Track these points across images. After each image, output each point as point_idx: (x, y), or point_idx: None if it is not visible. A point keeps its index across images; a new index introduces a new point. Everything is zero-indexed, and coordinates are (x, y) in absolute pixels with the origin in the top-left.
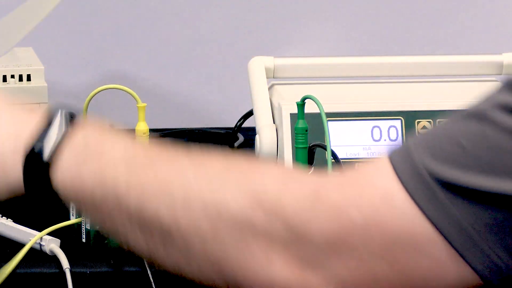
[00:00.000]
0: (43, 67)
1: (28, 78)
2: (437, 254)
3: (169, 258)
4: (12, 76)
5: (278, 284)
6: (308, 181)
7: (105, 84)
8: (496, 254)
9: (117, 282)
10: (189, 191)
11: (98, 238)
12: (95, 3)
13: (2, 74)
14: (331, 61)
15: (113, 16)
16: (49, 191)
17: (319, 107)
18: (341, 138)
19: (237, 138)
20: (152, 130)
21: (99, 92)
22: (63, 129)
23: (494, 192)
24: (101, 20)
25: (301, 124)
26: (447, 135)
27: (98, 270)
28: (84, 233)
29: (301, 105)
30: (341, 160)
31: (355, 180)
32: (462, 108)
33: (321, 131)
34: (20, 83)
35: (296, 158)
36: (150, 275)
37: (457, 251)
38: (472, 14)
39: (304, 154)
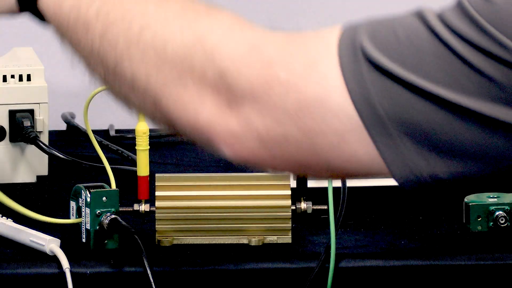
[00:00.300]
0: (43, 67)
1: (28, 78)
2: (344, 123)
3: (119, 89)
4: (12, 76)
5: (205, 123)
6: (254, 31)
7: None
8: (400, 139)
9: (117, 282)
10: (145, 22)
11: (98, 238)
12: None
13: (2, 74)
14: None
15: None
16: (36, 11)
17: None
18: None
19: None
20: (152, 130)
21: (99, 92)
22: None
23: (404, 79)
24: None
25: None
26: (391, 24)
27: (98, 270)
28: (84, 233)
29: None
30: None
31: (297, 41)
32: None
33: None
34: (20, 83)
35: None
36: (150, 276)
37: (366, 128)
38: None
39: None
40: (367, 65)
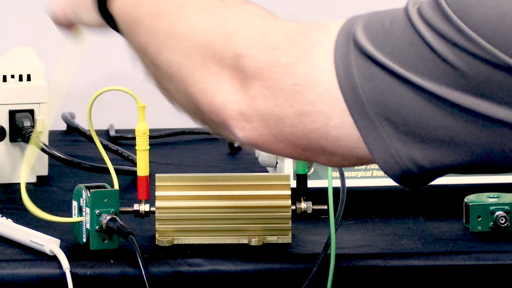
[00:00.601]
0: (43, 67)
1: (28, 78)
2: (330, 104)
3: (163, 83)
4: (12, 76)
5: (220, 104)
6: (270, 20)
7: (104, 84)
8: (379, 122)
9: (117, 282)
10: (182, 13)
11: (98, 238)
12: None
13: (2, 74)
14: None
15: None
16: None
17: None
18: None
19: None
20: (152, 130)
21: (101, 94)
22: None
23: (383, 64)
24: None
25: None
26: (383, 14)
27: (98, 270)
28: (84, 233)
29: None
30: None
31: (303, 30)
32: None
33: None
34: (20, 83)
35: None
36: (144, 275)
37: (349, 110)
38: None
39: None
40: (355, 51)
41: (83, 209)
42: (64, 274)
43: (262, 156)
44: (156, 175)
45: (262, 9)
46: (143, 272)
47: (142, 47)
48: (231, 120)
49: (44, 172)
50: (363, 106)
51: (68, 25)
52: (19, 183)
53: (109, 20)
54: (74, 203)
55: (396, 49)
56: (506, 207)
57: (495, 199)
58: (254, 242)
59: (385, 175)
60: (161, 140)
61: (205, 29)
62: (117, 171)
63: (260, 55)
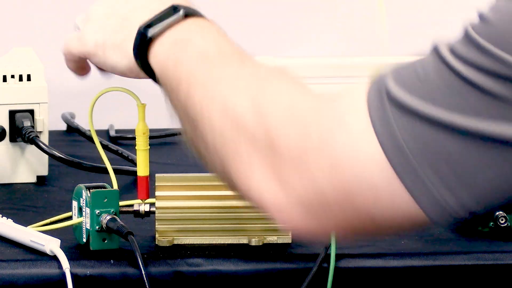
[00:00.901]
0: (43, 67)
1: (28, 78)
2: (375, 170)
3: (203, 150)
4: (12, 76)
5: (256, 191)
6: (298, 92)
7: (104, 84)
8: (428, 179)
9: (117, 282)
10: (218, 86)
11: (98, 238)
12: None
13: (2, 74)
14: (331, 61)
15: None
16: (147, 65)
17: None
18: None
19: None
20: (152, 130)
21: (102, 94)
22: (175, 18)
23: (423, 112)
24: None
25: None
26: (413, 64)
27: (98, 270)
28: (84, 233)
29: None
30: None
31: (328, 99)
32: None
33: None
34: (20, 83)
35: None
36: (144, 275)
37: (396, 172)
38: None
39: None
40: (391, 105)
41: (83, 209)
42: (64, 274)
43: None
44: (156, 175)
45: (292, 79)
46: (143, 272)
47: (180, 106)
48: (267, 208)
49: (44, 172)
50: (410, 162)
51: (82, 65)
52: (19, 183)
53: (147, 70)
54: (74, 203)
55: (434, 93)
56: None
57: None
58: (254, 242)
59: None
60: (161, 140)
61: (239, 104)
62: (117, 171)
63: (291, 136)
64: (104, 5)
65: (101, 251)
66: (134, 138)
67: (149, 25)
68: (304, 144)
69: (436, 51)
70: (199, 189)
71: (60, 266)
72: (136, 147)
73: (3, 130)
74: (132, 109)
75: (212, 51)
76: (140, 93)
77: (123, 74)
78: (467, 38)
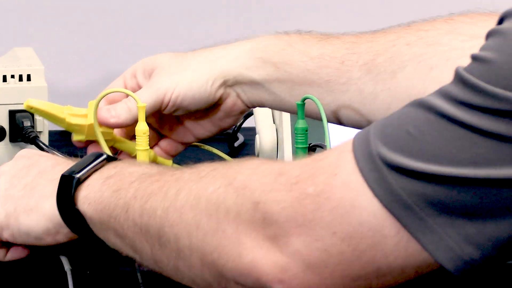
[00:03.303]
0: (43, 67)
1: (28, 78)
2: (379, 222)
3: (168, 261)
4: (12, 76)
5: (249, 264)
6: (279, 163)
7: (104, 84)
8: (445, 233)
9: (117, 282)
10: (180, 186)
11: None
12: (95, 3)
13: (2, 74)
14: None
15: (113, 16)
16: (76, 214)
17: (319, 107)
18: (341, 138)
19: (237, 138)
20: None
21: (104, 96)
22: (100, 161)
23: (434, 173)
24: (101, 20)
25: (301, 124)
26: (399, 123)
27: (99, 270)
28: None
29: (301, 105)
30: None
31: (316, 158)
32: None
33: (321, 131)
34: (20, 83)
35: (296, 158)
36: (138, 276)
37: (402, 225)
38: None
39: (304, 154)
40: (388, 170)
41: None
42: (65, 274)
43: (262, 156)
44: None
45: (264, 159)
46: (137, 272)
47: (132, 229)
48: (265, 276)
49: None
50: (420, 218)
51: None
52: None
53: (70, 221)
54: None
55: (438, 151)
56: None
57: None
58: None
59: None
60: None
61: (211, 192)
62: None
63: (282, 195)
64: (6, 176)
65: (101, 251)
66: (134, 138)
67: (70, 171)
68: (300, 199)
69: (423, 105)
70: None
71: (61, 266)
72: (136, 147)
73: (3, 130)
74: None
75: (152, 171)
76: None
77: (38, 239)
78: (462, 82)
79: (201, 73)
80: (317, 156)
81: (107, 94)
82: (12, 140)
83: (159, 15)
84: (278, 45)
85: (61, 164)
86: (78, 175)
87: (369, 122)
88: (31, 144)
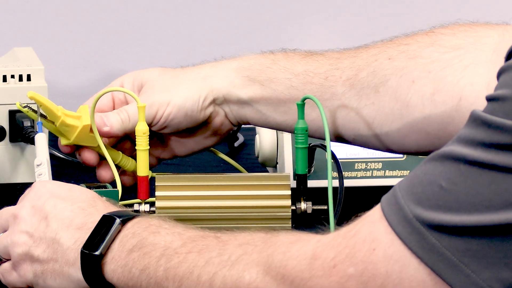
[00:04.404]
0: (43, 67)
1: (28, 78)
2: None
3: None
4: (12, 76)
5: None
6: (308, 242)
7: (104, 84)
8: (490, 286)
9: None
10: (212, 272)
11: None
12: (95, 3)
13: (2, 74)
14: None
15: (113, 16)
16: (105, 283)
17: (319, 107)
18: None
19: (237, 138)
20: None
21: (103, 95)
22: (115, 228)
23: (475, 225)
24: (101, 20)
25: (301, 124)
26: (428, 180)
27: None
28: None
29: (301, 105)
30: (340, 161)
31: (348, 237)
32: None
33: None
34: (20, 83)
35: (296, 158)
36: None
37: (451, 286)
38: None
39: (304, 154)
40: (429, 231)
41: None
42: None
43: (262, 156)
44: (156, 175)
45: (293, 233)
46: None
47: None
48: None
49: None
50: (470, 279)
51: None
52: (19, 183)
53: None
54: None
55: (475, 199)
56: None
57: None
58: None
59: (385, 174)
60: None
61: (249, 283)
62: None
63: (323, 282)
64: (27, 227)
65: None
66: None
67: (89, 244)
68: (343, 282)
69: (449, 156)
70: (199, 189)
71: None
72: (136, 147)
73: (3, 130)
74: None
75: (174, 245)
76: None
77: None
78: (487, 124)
79: (193, 90)
80: (347, 231)
81: (105, 93)
82: (12, 140)
83: (159, 15)
84: (263, 63)
85: (78, 215)
86: (98, 252)
87: (353, 137)
88: (31, 144)
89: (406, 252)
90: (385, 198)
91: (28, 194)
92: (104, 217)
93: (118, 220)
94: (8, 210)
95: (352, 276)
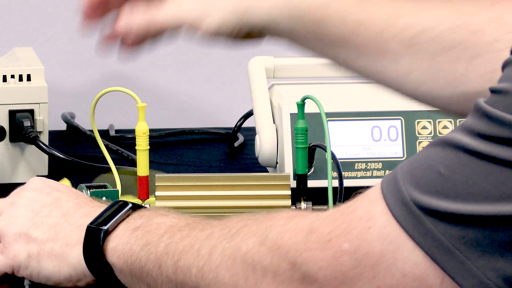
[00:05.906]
0: (43, 67)
1: (28, 78)
2: (428, 278)
3: None
4: (12, 76)
5: None
6: (306, 217)
7: (104, 84)
8: (484, 275)
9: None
10: (212, 244)
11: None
12: None
13: (2, 74)
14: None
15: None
16: (103, 265)
17: (319, 107)
18: (341, 138)
19: (237, 138)
20: (152, 130)
21: (103, 95)
22: (125, 210)
23: (471, 214)
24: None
25: (301, 124)
26: (428, 164)
27: None
28: None
29: (301, 105)
30: (339, 160)
31: (346, 214)
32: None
33: (321, 131)
34: (20, 83)
35: (296, 158)
36: None
37: (445, 271)
38: None
39: (304, 154)
40: (425, 216)
41: None
42: None
43: (262, 156)
44: (156, 175)
45: (293, 211)
46: None
47: (167, 285)
48: None
49: (44, 172)
50: (464, 266)
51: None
52: (19, 183)
53: (97, 270)
54: None
55: (472, 188)
56: None
57: None
58: None
59: (385, 174)
60: (161, 140)
61: (245, 252)
62: (117, 171)
63: (317, 254)
64: (27, 212)
65: None
66: (134, 138)
67: (97, 223)
68: (337, 258)
69: (450, 143)
70: (199, 189)
71: None
72: (136, 147)
73: (3, 130)
74: (132, 109)
75: (180, 224)
76: (140, 93)
77: (58, 283)
78: (488, 116)
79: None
80: (345, 208)
81: (106, 93)
82: (12, 140)
83: None
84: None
85: (84, 206)
86: (105, 227)
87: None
88: (31, 144)
89: (401, 234)
90: (386, 178)
91: (25, 187)
92: (116, 202)
93: (130, 205)
94: (2, 199)
95: (346, 252)
